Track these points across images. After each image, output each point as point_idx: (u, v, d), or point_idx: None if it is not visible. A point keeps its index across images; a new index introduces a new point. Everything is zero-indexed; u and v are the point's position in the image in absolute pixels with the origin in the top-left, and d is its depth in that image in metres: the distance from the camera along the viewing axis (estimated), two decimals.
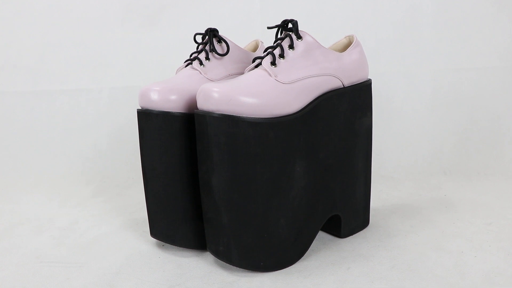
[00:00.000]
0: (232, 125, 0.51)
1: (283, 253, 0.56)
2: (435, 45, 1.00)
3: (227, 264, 0.58)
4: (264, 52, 0.58)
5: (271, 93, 0.52)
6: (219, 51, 0.64)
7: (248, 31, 1.02)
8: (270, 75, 0.54)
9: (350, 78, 0.61)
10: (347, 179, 0.63)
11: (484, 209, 0.75)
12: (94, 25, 1.06)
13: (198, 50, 0.65)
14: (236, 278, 0.55)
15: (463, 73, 1.00)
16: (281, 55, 0.56)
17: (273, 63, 0.55)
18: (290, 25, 0.58)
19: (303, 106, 0.55)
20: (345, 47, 0.66)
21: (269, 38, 0.76)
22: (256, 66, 0.57)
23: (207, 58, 0.63)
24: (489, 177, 0.92)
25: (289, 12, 0.99)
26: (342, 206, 0.64)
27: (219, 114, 0.51)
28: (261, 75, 0.54)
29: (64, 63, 1.07)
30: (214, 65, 0.64)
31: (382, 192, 0.86)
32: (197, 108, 0.54)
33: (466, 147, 0.99)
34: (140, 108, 0.60)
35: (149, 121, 0.58)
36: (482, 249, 0.61)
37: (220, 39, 0.65)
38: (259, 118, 0.51)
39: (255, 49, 0.75)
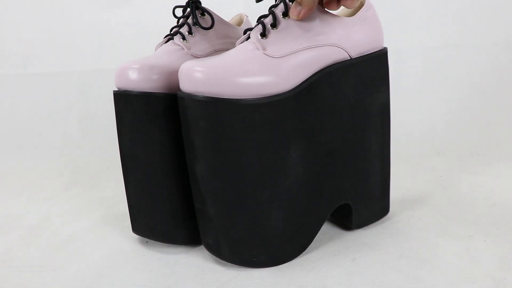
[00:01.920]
0: (213, 108, 0.44)
1: (279, 248, 0.51)
2: (426, 21, 0.97)
3: (220, 261, 0.52)
4: (257, 22, 0.51)
5: (256, 70, 0.45)
6: (203, 25, 0.58)
7: (229, 5, 0.95)
8: (258, 49, 0.47)
9: (359, 48, 0.53)
10: (358, 164, 0.56)
11: (484, 190, 0.72)
12: (58, 2, 0.97)
13: (179, 24, 0.59)
14: (232, 276, 0.49)
15: (454, 50, 0.97)
16: (273, 25, 0.49)
17: (263, 34, 0.48)
18: None
19: (298, 84, 0.48)
20: (354, 11, 0.57)
21: (252, 13, 0.70)
22: (247, 39, 0.51)
23: (190, 32, 0.57)
24: (482, 157, 0.89)
25: None
26: (353, 194, 0.57)
27: (199, 96, 0.45)
28: (248, 49, 0.48)
29: (26, 44, 0.98)
30: (198, 39, 0.57)
31: None
32: (179, 89, 0.48)
33: (457, 127, 0.96)
34: (116, 89, 0.53)
35: (128, 103, 0.51)
36: (490, 232, 0.57)
37: (204, 12, 0.58)
38: (243, 100, 0.44)
39: (239, 24, 0.68)
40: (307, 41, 0.49)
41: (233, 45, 0.61)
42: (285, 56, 0.48)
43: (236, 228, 0.48)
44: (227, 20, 0.67)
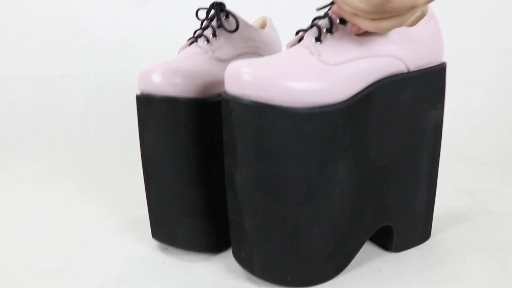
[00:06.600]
0: (260, 114, 0.41)
1: (316, 268, 0.47)
2: (450, 25, 0.94)
3: (242, 270, 0.51)
4: (311, 24, 0.47)
5: (311, 76, 0.42)
6: (228, 27, 0.57)
7: (249, 7, 0.94)
8: (313, 54, 0.44)
9: (418, 61, 0.49)
10: (406, 183, 0.52)
11: (510, 199, 0.70)
12: (77, 3, 0.97)
13: (203, 26, 0.58)
14: (256, 287, 0.48)
15: (479, 54, 0.95)
16: (329, 30, 0.45)
17: (318, 38, 0.45)
18: None
19: (352, 95, 0.44)
20: (414, 21, 0.53)
21: (273, 15, 0.69)
22: (299, 41, 0.47)
23: (214, 35, 0.56)
24: (507, 164, 0.86)
25: None
26: (397, 215, 0.53)
27: (246, 101, 0.42)
28: (302, 54, 0.44)
29: (45, 46, 0.98)
30: (222, 42, 0.56)
31: None
32: (224, 91, 0.45)
33: (482, 133, 0.94)
34: (139, 93, 0.52)
35: (151, 107, 0.50)
36: None
37: (228, 14, 0.57)
38: (293, 107, 0.41)
39: (263, 27, 0.67)
40: (364, 50, 0.45)
41: (257, 49, 0.60)
42: (340, 64, 0.44)
43: (273, 244, 0.45)
44: (250, 22, 0.66)
